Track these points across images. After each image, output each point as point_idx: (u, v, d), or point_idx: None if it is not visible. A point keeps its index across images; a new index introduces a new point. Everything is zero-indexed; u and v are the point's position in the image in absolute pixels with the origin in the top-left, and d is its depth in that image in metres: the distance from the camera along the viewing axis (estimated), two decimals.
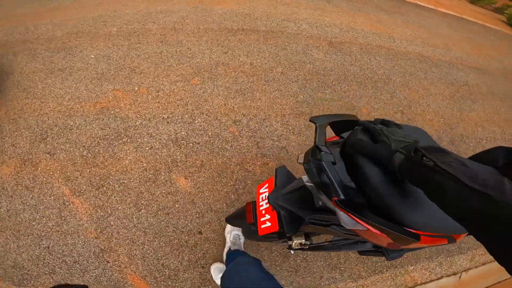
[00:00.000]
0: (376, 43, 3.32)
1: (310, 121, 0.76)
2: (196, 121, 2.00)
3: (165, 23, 2.84)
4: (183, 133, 1.92)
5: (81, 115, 1.91)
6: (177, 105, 2.06)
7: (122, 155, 1.77)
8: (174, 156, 1.80)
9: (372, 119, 0.74)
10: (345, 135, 0.83)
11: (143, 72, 2.26)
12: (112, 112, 1.96)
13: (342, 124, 0.82)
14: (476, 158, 1.45)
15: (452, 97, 2.95)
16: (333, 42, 3.02)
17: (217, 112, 2.07)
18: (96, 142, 1.79)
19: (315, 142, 0.69)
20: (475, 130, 2.72)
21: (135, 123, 1.92)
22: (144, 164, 1.75)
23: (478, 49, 4.74)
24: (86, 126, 1.86)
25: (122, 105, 2.01)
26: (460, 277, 1.94)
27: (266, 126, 2.05)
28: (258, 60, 2.51)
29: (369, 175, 0.62)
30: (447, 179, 0.41)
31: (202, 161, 1.81)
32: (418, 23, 4.68)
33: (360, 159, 0.64)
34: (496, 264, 0.39)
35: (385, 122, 0.65)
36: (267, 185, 0.96)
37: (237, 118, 2.06)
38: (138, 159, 1.76)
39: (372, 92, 2.54)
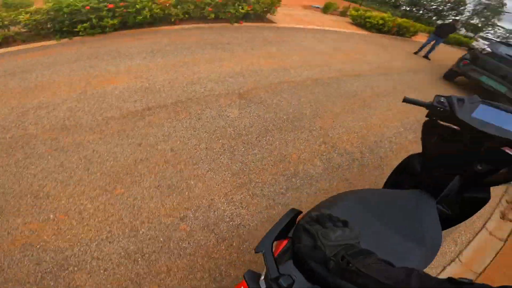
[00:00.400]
0: (277, 80, 3.38)
1: (256, 252, 0.74)
2: (141, 231, 1.58)
3: (51, 121, 2.20)
4: (132, 247, 1.50)
5: (3, 255, 1.40)
6: (111, 222, 1.60)
7: (79, 283, 1.34)
8: (136, 271, 1.41)
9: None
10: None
11: (51, 195, 1.69)
12: (38, 246, 1.45)
13: (286, 226, 0.82)
14: (398, 169, 1.51)
15: (353, 111, 3.16)
16: (241, 93, 2.89)
17: (158, 215, 1.67)
18: (39, 276, 1.34)
19: (269, 273, 0.67)
20: (382, 132, 2.93)
21: (73, 251, 1.44)
22: (109, 286, 1.34)
23: (347, 56, 5.43)
24: (17, 263, 1.38)
25: (45, 238, 1.49)
26: (459, 259, 2.02)
27: (214, 211, 1.74)
28: (178, 142, 2.17)
29: (323, 275, 0.63)
30: (368, 280, 0.47)
31: (167, 266, 1.47)
32: (299, 46, 5.08)
33: (310, 263, 0.65)
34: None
35: (320, 220, 0.64)
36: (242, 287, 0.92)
37: (182, 214, 1.69)
38: (100, 282, 1.35)
39: (293, 134, 2.49)
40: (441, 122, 1.19)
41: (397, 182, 1.54)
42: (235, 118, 2.50)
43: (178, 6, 5.01)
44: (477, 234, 2.20)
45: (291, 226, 0.86)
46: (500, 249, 2.20)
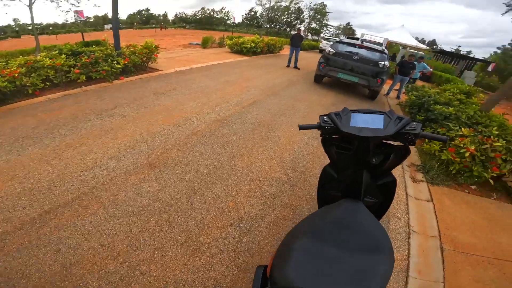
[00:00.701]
0: (183, 134, 3.34)
1: None
2: None
3: None
4: None
5: None
6: None
7: None
8: None
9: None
10: None
11: None
12: None
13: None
14: (320, 183, 1.72)
15: (263, 139, 3.51)
16: (152, 162, 2.72)
17: None
18: None
19: None
20: (293, 148, 3.35)
21: None
22: None
23: (238, 86, 5.95)
24: None
25: None
26: (413, 230, 2.33)
27: (183, 285, 1.61)
28: (105, 236, 1.83)
29: None
30: None
31: None
32: (192, 89, 5.22)
33: None
34: None
35: None
36: None
37: None
38: None
39: (221, 184, 2.52)
40: (334, 136, 1.42)
41: (326, 194, 1.73)
42: (157, 191, 2.34)
43: (33, 74, 4.25)
44: (407, 203, 2.76)
45: (265, 281, 0.97)
46: (434, 208, 2.72)
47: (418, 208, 2.73)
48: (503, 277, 2.09)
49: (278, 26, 49.75)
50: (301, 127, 1.47)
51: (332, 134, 1.39)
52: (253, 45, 11.28)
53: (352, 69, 6.69)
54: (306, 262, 0.95)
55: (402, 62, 7.96)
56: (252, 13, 52.43)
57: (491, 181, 3.10)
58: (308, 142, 3.64)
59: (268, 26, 47.76)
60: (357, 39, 9.52)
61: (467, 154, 3.13)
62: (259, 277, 0.99)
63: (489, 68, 17.58)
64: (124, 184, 2.38)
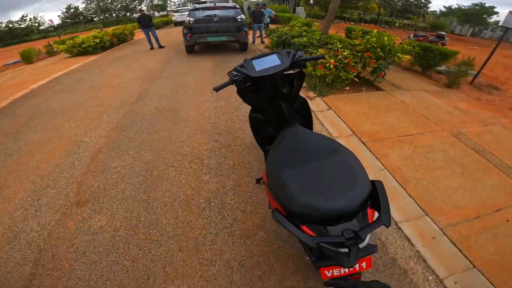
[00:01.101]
0: (85, 159, 2.77)
1: None
2: None
3: None
4: None
5: None
6: None
7: None
8: None
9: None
10: None
11: None
12: None
13: None
14: (253, 129, 1.98)
15: (175, 122, 3.36)
16: (76, 201, 2.19)
17: None
18: None
19: None
20: (206, 116, 3.35)
21: None
22: None
23: (111, 87, 5.13)
24: None
25: None
26: (335, 134, 2.76)
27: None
28: (116, 282, 1.52)
29: None
30: None
31: None
32: (54, 112, 4.15)
33: None
34: None
35: None
36: None
37: None
38: None
39: (166, 182, 2.36)
40: (246, 85, 1.58)
41: (261, 135, 1.94)
42: (110, 221, 1.99)
43: None
44: (317, 117, 3.31)
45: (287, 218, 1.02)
46: (336, 113, 3.30)
47: (326, 118, 3.37)
48: (417, 150, 2.54)
49: (115, 14, 43.14)
50: (216, 89, 1.54)
51: (245, 83, 1.55)
52: (97, 40, 9.52)
53: (217, 30, 6.89)
54: (303, 186, 1.06)
55: (253, 12, 8.75)
56: (72, 10, 42.87)
57: (356, 79, 4.22)
58: (216, 105, 3.76)
59: (102, 17, 40.67)
60: (205, 2, 9.56)
61: (331, 66, 4.07)
62: (282, 218, 1.00)
63: (311, 1, 21.66)
64: (69, 233, 1.94)
